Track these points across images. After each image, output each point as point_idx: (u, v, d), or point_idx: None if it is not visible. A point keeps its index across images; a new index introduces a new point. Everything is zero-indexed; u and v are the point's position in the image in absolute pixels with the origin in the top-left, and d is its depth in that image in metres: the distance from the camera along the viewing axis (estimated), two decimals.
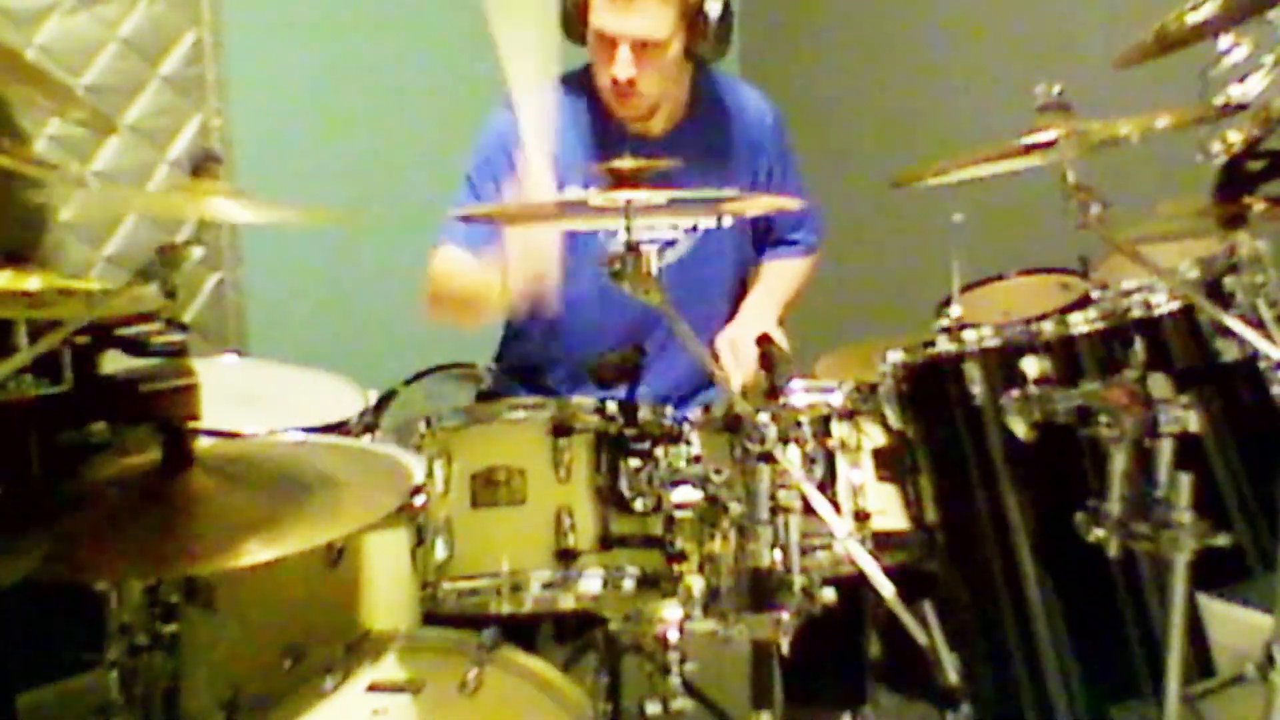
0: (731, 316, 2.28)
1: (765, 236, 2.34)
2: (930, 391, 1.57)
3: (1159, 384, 1.34)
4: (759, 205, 1.89)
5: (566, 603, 1.49)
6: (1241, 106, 1.66)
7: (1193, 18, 1.61)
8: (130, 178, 2.62)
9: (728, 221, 2.17)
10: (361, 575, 1.67)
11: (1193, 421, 1.31)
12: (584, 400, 1.54)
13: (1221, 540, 1.32)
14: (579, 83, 2.11)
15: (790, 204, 1.93)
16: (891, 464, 1.61)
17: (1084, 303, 1.58)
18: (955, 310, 1.65)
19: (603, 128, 2.11)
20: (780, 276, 2.33)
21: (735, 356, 2.11)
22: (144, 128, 2.64)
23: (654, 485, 1.48)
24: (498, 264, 1.99)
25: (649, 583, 1.48)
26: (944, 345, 1.55)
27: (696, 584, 1.44)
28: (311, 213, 1.79)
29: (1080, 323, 1.50)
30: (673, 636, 1.40)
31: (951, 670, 1.66)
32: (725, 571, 1.44)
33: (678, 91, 2.12)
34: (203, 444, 1.55)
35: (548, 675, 1.53)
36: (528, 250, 1.93)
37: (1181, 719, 1.35)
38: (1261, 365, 1.48)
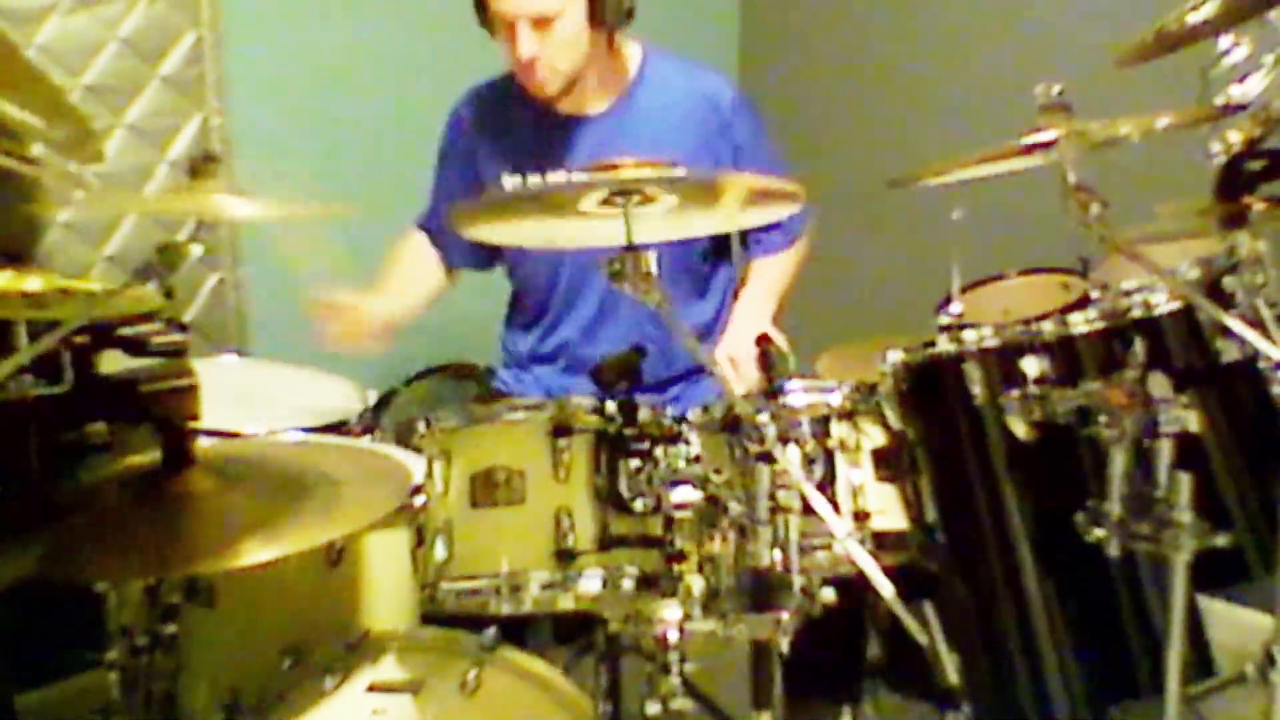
0: (701, 304, 2.32)
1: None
2: (930, 391, 1.57)
3: (1159, 384, 1.34)
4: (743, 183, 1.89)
5: (566, 603, 1.49)
6: (1241, 106, 1.66)
7: (1193, 18, 1.61)
8: (130, 178, 2.62)
9: None
10: (361, 575, 1.67)
11: (1193, 421, 1.32)
12: (584, 400, 1.54)
13: (1221, 540, 1.32)
14: (510, 80, 2.18)
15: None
16: (891, 464, 1.60)
17: (1084, 303, 1.58)
18: (955, 310, 1.65)
19: (538, 115, 2.16)
20: (768, 272, 2.34)
21: (736, 369, 2.12)
22: (144, 128, 2.64)
23: (654, 485, 1.48)
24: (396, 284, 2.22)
25: (649, 583, 1.48)
26: (944, 345, 1.55)
27: (696, 584, 1.44)
28: (308, 208, 1.79)
29: (1080, 323, 1.50)
30: (673, 636, 1.40)
31: (951, 670, 1.66)
32: (725, 571, 1.44)
33: (601, 66, 2.13)
34: (203, 444, 1.54)
35: (548, 675, 1.53)
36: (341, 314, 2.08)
37: (1181, 719, 1.35)
38: (1261, 365, 1.47)
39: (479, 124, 2.23)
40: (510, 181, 2.17)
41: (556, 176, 2.15)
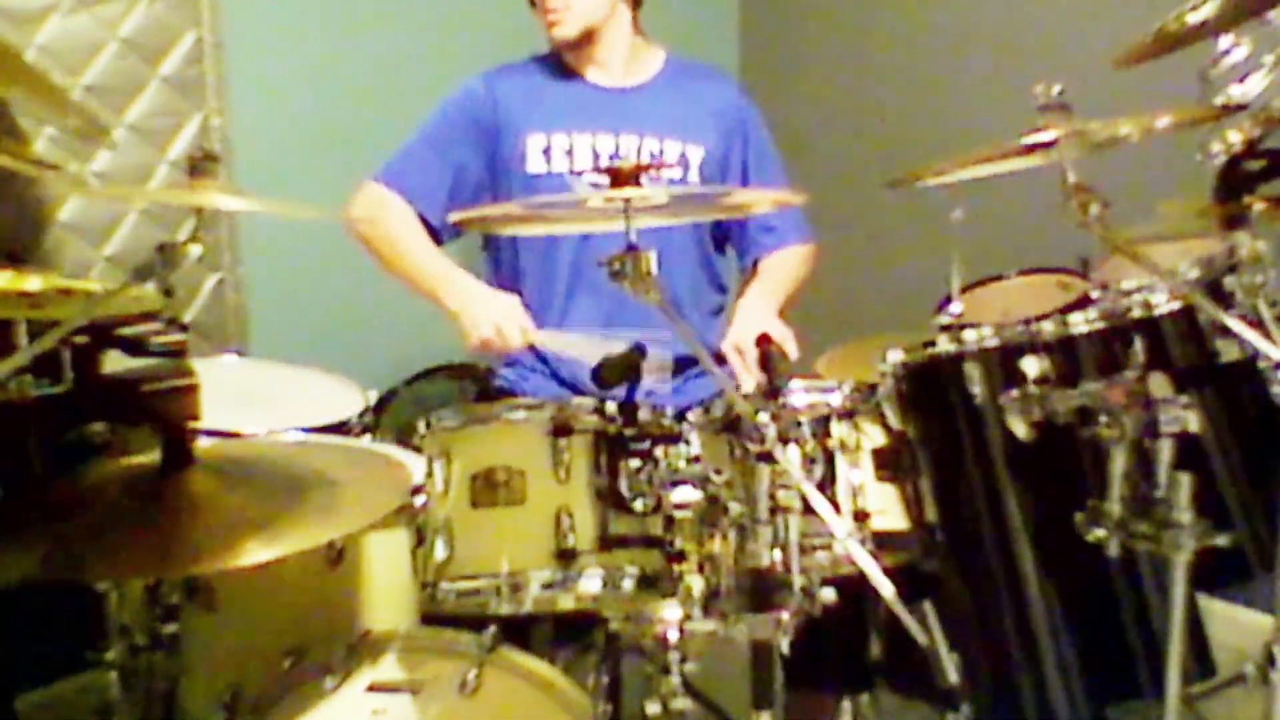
0: (718, 296, 2.35)
1: (748, 226, 2.36)
2: (930, 391, 1.57)
3: (1159, 384, 1.34)
4: (761, 199, 1.91)
5: (566, 603, 1.49)
6: (1241, 106, 1.66)
7: (1193, 18, 1.61)
8: (130, 178, 2.62)
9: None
10: (361, 575, 1.67)
11: (1193, 421, 1.31)
12: (584, 400, 1.54)
13: (1221, 540, 1.32)
14: (543, 58, 2.30)
15: (793, 199, 1.95)
16: (891, 464, 1.60)
17: (1084, 303, 1.58)
18: (955, 310, 1.64)
19: (575, 83, 2.26)
20: (775, 271, 2.34)
21: (744, 360, 2.12)
22: (144, 128, 2.64)
23: (654, 485, 1.48)
24: (453, 284, 2.14)
25: (649, 583, 1.48)
26: (944, 345, 1.55)
27: (696, 584, 1.44)
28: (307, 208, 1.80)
29: (1080, 323, 1.50)
30: (673, 636, 1.40)
31: (951, 670, 1.66)
32: (725, 571, 1.44)
33: (630, 46, 2.25)
34: (203, 444, 1.54)
35: (548, 675, 1.53)
36: (490, 318, 2.06)
37: (1181, 719, 1.35)
38: (1261, 365, 1.47)
39: (509, 89, 2.26)
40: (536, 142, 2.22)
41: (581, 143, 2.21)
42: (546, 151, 2.21)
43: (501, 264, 2.33)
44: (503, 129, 2.23)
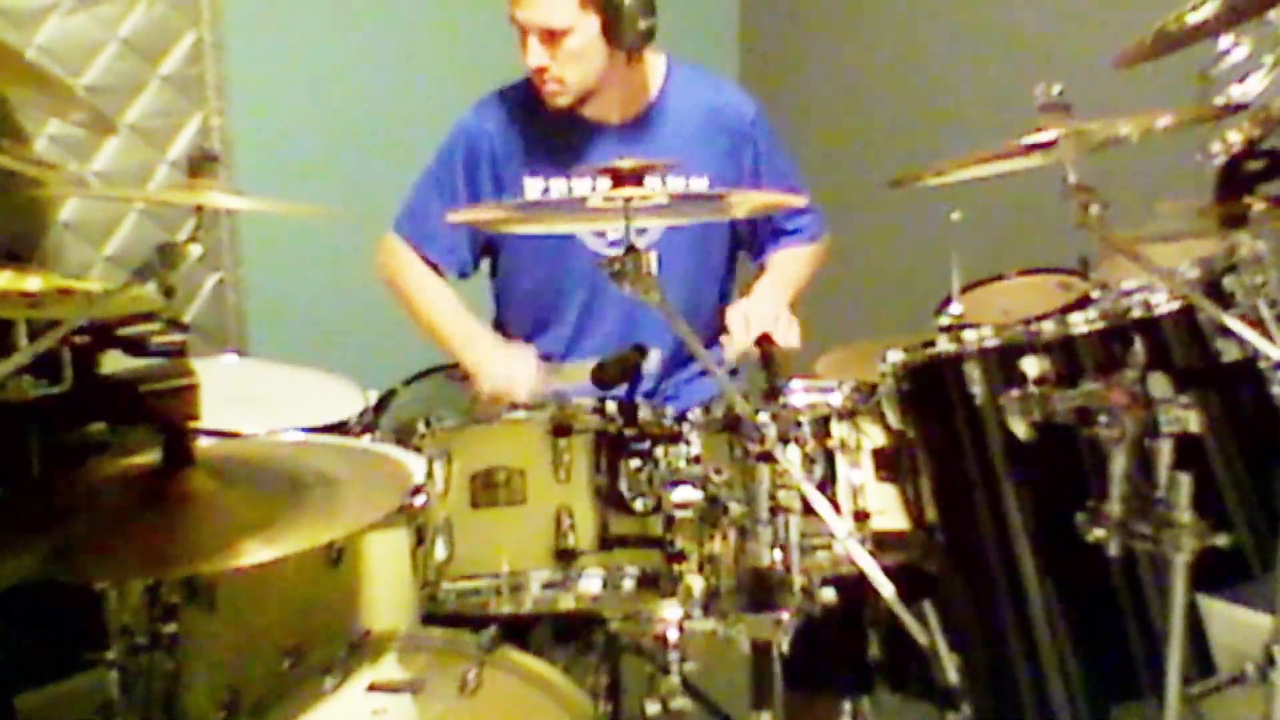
0: (702, 316, 2.29)
1: (762, 230, 2.34)
2: (930, 391, 1.57)
3: (1159, 384, 1.34)
4: (761, 201, 1.89)
5: (566, 603, 1.49)
6: (1241, 106, 1.66)
7: (1193, 18, 1.61)
8: (130, 178, 2.62)
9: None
10: (361, 575, 1.67)
11: (1193, 421, 1.31)
12: (584, 400, 1.54)
13: (1221, 540, 1.32)
14: (531, 84, 2.17)
15: (794, 200, 1.93)
16: (891, 464, 1.60)
17: (1084, 303, 1.58)
18: (955, 310, 1.64)
19: (561, 118, 2.15)
20: (786, 265, 2.33)
21: (747, 328, 2.09)
22: (144, 128, 2.64)
23: (654, 485, 1.48)
24: (468, 339, 2.11)
25: (649, 583, 1.48)
26: (944, 345, 1.55)
27: (696, 584, 1.44)
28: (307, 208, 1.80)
29: (1080, 323, 1.50)
30: (673, 636, 1.40)
31: (951, 670, 1.65)
32: (725, 571, 1.44)
33: (623, 78, 2.15)
34: (203, 444, 1.54)
35: (548, 675, 1.53)
36: (501, 371, 2.00)
37: (1181, 719, 1.35)
38: (1261, 365, 1.47)
39: (503, 126, 2.20)
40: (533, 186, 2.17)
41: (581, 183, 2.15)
42: (545, 194, 2.19)
43: (505, 300, 2.34)
44: (500, 166, 2.19)
